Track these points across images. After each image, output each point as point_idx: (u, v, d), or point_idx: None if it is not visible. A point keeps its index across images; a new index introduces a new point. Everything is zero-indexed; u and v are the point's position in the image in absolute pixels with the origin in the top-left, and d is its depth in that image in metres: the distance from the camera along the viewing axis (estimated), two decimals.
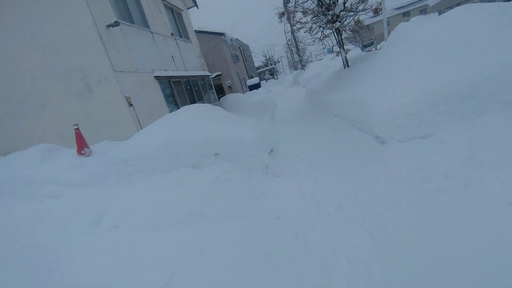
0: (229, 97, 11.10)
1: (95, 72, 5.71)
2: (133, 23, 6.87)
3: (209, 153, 3.47)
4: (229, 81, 20.05)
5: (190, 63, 10.02)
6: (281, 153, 4.56)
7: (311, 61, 34.86)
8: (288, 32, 15.31)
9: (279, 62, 44.58)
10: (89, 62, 5.67)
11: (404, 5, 35.50)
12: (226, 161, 3.42)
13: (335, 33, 6.95)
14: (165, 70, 7.83)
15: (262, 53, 41.20)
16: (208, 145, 3.46)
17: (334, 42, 7.66)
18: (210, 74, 11.77)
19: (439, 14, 26.41)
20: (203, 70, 11.20)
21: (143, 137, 3.84)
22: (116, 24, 5.76)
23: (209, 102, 11.06)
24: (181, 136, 3.57)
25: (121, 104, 5.79)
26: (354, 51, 24.29)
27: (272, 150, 4.33)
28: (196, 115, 3.97)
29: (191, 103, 9.03)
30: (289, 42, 32.98)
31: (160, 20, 8.36)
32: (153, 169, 3.60)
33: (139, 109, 6.18)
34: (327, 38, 7.44)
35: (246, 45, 29.54)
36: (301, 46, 25.38)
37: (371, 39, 30.44)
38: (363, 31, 24.94)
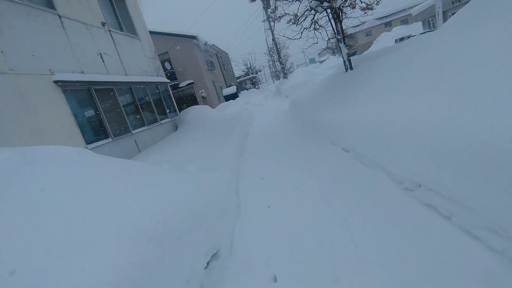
0: (192, 111, 8.56)
1: None
2: None
3: None
4: (203, 91, 17.56)
5: (134, 65, 7.47)
6: (239, 257, 2.03)
7: (292, 71, 32.93)
8: (264, 20, 13.09)
9: (260, 71, 42.61)
10: None
11: (386, 14, 35.02)
12: None
13: (332, 20, 4.74)
14: (82, 72, 5.25)
15: (243, 62, 39.11)
16: None
17: (326, 38, 5.43)
18: (169, 80, 9.24)
19: (423, 23, 25.78)
20: (158, 75, 8.66)
21: None
22: None
23: (166, 117, 8.49)
24: None
25: None
26: (339, 59, 22.83)
27: (216, 253, 1.87)
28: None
29: (131, 122, 6.43)
30: (272, 51, 31.21)
31: (81, 2, 5.81)
32: None
33: (7, 140, 3.55)
34: (321, 28, 5.22)
35: (224, 52, 27.34)
36: (284, 41, 23.41)
37: (353, 49, 29.34)
38: (347, 39, 23.63)
